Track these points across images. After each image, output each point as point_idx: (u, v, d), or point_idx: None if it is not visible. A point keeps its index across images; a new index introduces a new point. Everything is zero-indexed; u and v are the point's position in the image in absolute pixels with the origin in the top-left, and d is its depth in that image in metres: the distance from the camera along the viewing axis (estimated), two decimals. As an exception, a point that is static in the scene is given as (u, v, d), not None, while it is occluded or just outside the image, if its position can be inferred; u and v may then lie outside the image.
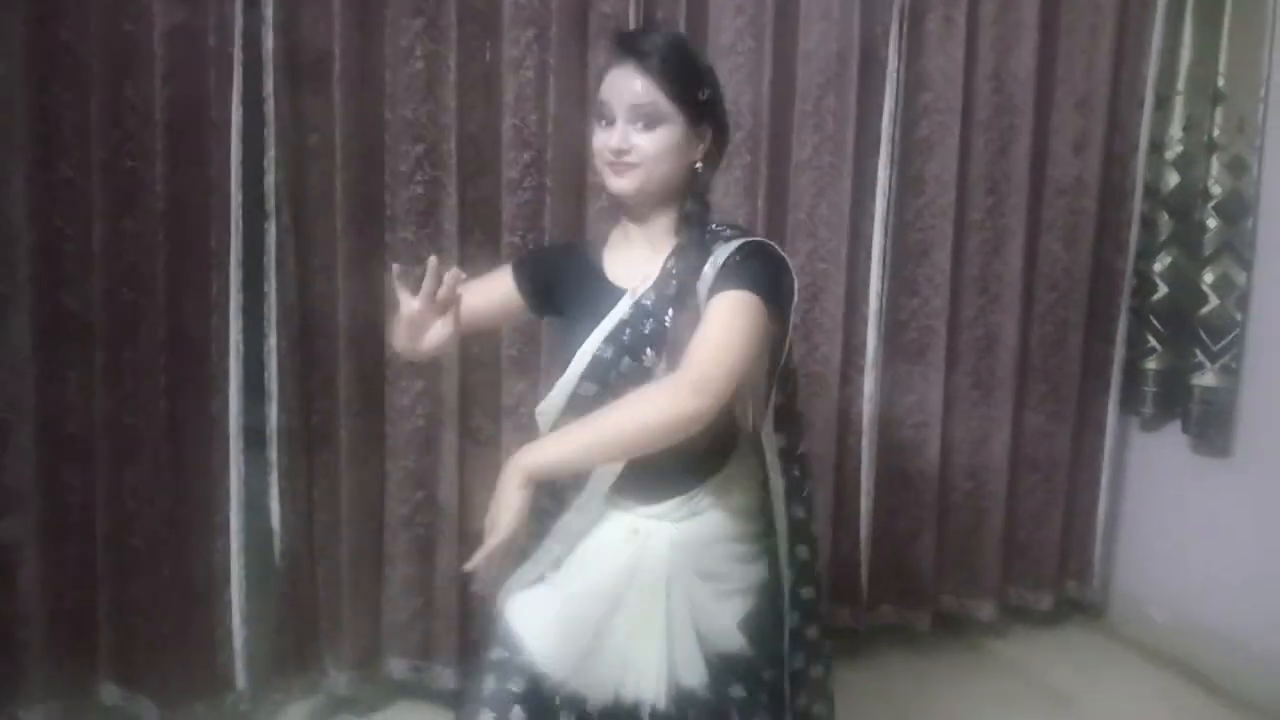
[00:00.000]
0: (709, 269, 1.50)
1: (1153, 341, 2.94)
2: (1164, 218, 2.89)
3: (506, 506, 1.35)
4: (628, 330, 1.54)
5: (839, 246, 2.66)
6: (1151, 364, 2.95)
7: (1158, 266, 2.91)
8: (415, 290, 1.51)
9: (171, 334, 2.22)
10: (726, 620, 1.56)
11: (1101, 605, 3.16)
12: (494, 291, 1.72)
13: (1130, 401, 3.01)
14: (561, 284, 1.68)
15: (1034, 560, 3.03)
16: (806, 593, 1.65)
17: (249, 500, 2.35)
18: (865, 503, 2.81)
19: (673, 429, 1.39)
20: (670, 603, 1.52)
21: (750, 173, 2.56)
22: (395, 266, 1.53)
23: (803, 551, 1.64)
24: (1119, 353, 2.97)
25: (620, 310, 1.56)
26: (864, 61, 2.61)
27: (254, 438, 2.34)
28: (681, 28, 2.46)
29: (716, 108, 1.58)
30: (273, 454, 2.35)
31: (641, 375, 1.51)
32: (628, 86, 1.49)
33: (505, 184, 2.40)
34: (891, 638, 2.94)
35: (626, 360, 1.53)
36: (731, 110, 2.49)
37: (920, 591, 2.92)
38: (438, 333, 1.55)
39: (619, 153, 1.50)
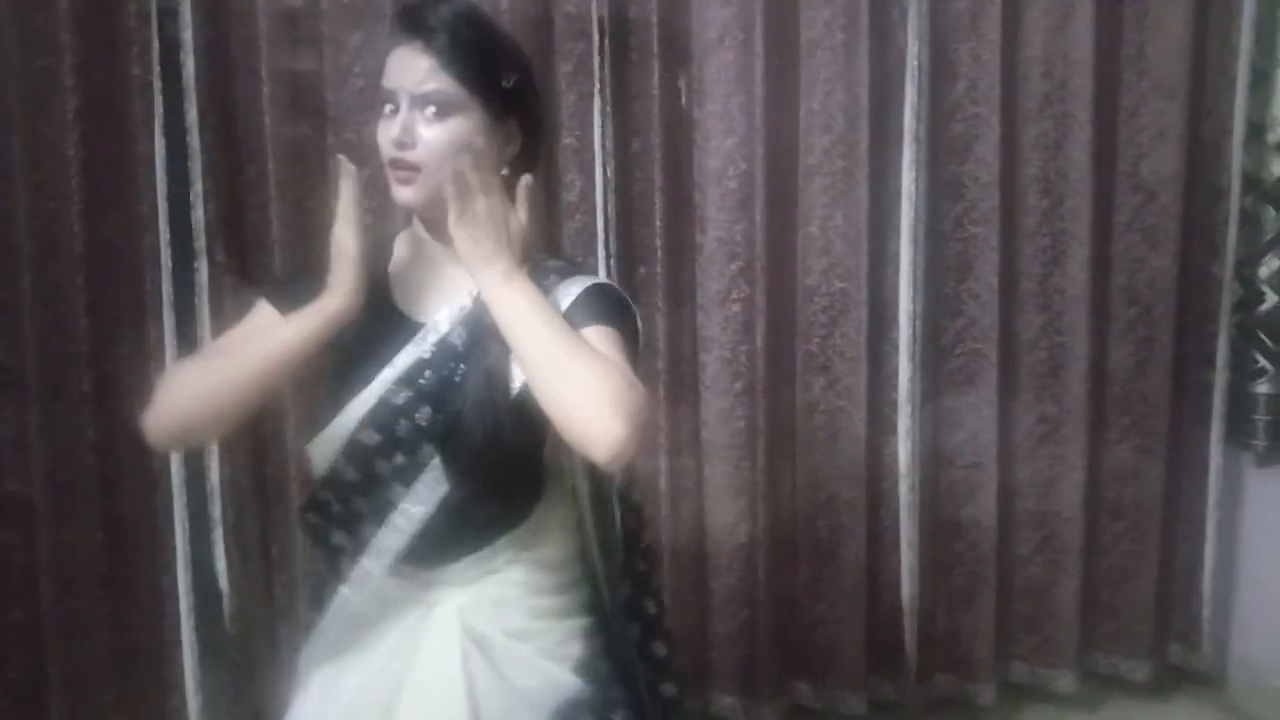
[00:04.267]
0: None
1: (1262, 361, 2.47)
2: (1270, 213, 2.43)
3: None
4: (428, 373, 1.29)
5: (858, 263, 2.31)
6: (1262, 387, 2.49)
7: (1264, 271, 2.45)
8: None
9: (101, 384, 2.08)
10: (558, 671, 1.32)
11: (1217, 674, 2.66)
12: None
13: (1238, 433, 2.52)
14: None
15: (1124, 622, 2.56)
16: (650, 606, 1.51)
17: (198, 560, 2.19)
18: (907, 555, 2.43)
19: (580, 425, 1.12)
20: (470, 677, 1.27)
21: (745, 182, 2.25)
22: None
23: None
24: (1221, 376, 2.48)
25: (419, 349, 1.30)
26: (877, 49, 2.26)
27: (197, 494, 2.17)
28: (654, 20, 2.18)
29: (527, 98, 1.32)
30: (216, 510, 2.18)
31: (442, 427, 1.27)
32: (411, 69, 1.23)
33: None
34: (949, 713, 2.53)
35: (426, 410, 1.28)
36: (725, 117, 2.23)
37: (981, 658, 2.50)
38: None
39: (400, 145, 1.24)
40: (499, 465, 1.31)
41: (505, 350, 1.24)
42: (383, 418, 1.28)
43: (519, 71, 1.31)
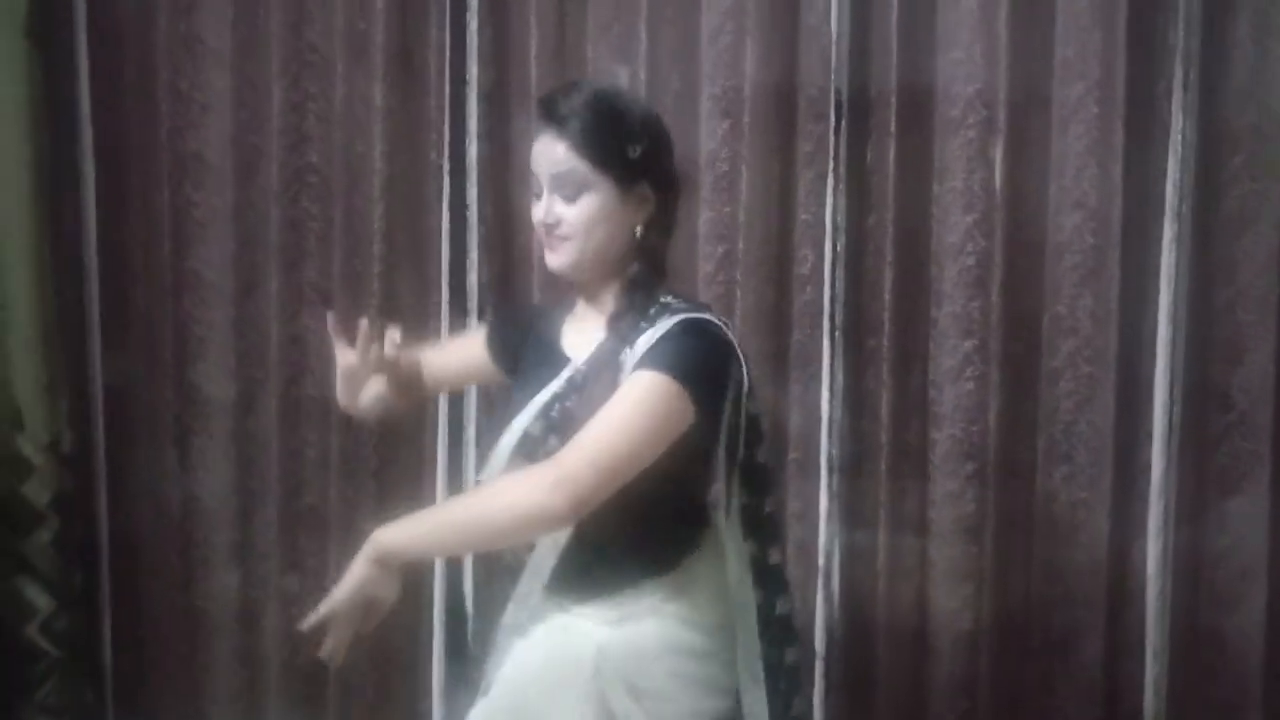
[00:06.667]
0: (643, 343, 1.36)
1: None
2: None
3: (348, 575, 1.35)
4: (558, 406, 1.43)
5: (1107, 345, 2.19)
6: None
7: None
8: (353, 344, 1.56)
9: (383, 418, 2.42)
10: None
11: None
12: (466, 351, 1.72)
13: None
14: (525, 348, 1.61)
15: None
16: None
17: (451, 582, 2.46)
18: (1152, 666, 2.22)
19: (525, 526, 1.31)
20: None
21: (984, 259, 2.22)
22: (330, 316, 1.60)
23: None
24: None
25: (556, 383, 1.45)
26: (1136, 122, 2.16)
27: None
28: (893, 98, 2.22)
29: (656, 162, 1.44)
30: (469, 540, 2.44)
31: None
32: (547, 155, 1.41)
33: (701, 277, 2.32)
34: None
35: (554, 440, 1.40)
36: (966, 193, 2.22)
37: (1247, 791, 2.23)
38: (372, 393, 1.61)
39: (547, 227, 1.44)
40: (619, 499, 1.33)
41: (615, 381, 1.35)
42: (526, 447, 1.44)
43: (648, 141, 1.44)
